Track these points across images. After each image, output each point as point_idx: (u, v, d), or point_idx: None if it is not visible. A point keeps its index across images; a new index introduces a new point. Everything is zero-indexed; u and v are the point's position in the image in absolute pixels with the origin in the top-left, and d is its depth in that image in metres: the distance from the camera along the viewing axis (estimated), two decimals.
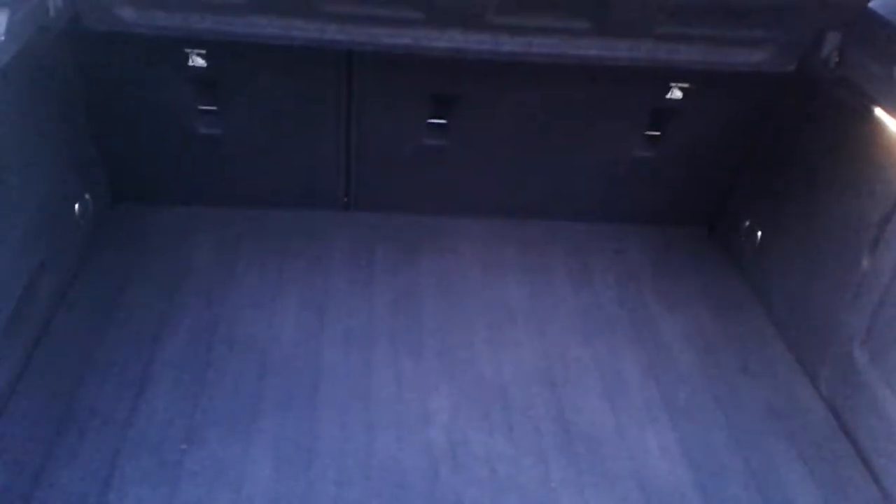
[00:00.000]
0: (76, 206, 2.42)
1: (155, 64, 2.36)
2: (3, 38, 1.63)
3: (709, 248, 2.91)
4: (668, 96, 2.52)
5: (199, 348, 2.24)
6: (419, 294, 2.55)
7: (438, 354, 2.33)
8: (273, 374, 2.19)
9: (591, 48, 2.22)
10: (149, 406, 2.04)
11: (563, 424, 2.14)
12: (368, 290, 2.55)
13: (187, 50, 2.32)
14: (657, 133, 2.68)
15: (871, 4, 2.08)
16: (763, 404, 2.26)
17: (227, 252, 2.62)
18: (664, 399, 2.25)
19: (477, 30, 2.16)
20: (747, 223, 2.73)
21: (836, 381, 2.22)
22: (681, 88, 2.50)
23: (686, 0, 2.10)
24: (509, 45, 2.20)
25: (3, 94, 1.85)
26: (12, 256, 1.98)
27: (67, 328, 2.23)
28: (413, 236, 2.79)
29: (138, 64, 2.35)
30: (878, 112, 2.04)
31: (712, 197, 2.88)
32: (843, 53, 2.14)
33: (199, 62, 2.35)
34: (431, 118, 2.60)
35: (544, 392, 2.24)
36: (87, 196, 2.48)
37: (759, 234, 2.66)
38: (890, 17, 2.04)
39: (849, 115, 2.19)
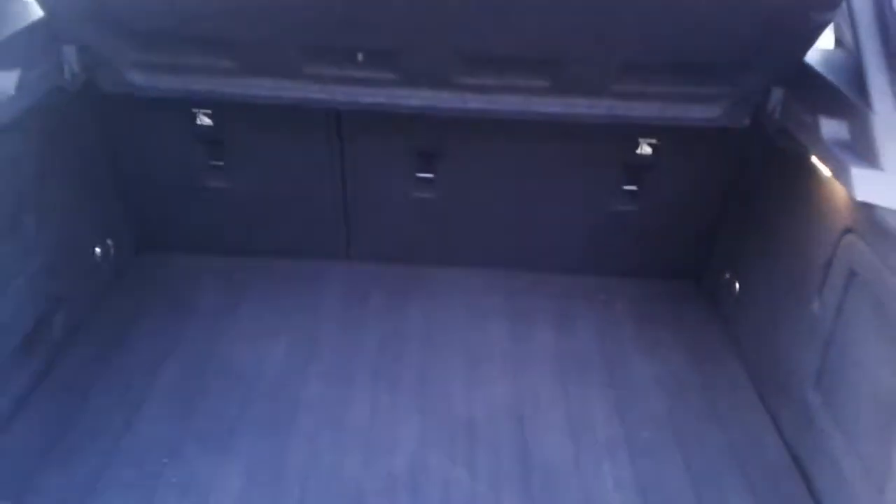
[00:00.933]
0: (97, 249, 2.69)
1: (168, 122, 2.66)
2: (13, 93, 1.91)
3: (694, 299, 2.99)
4: (639, 151, 2.67)
5: (193, 378, 2.44)
6: (405, 336, 2.72)
7: (414, 389, 2.47)
8: (256, 401, 2.38)
9: (552, 105, 2.41)
10: (139, 425, 2.25)
11: (524, 457, 2.25)
12: (357, 331, 2.72)
13: (195, 110, 2.60)
14: (634, 188, 2.82)
15: (810, 59, 2.22)
16: (724, 445, 2.32)
17: (232, 296, 2.84)
18: (627, 437, 2.33)
19: (445, 89, 2.38)
20: (727, 275, 2.81)
21: (794, 423, 2.27)
22: (649, 144, 2.65)
23: (635, 58, 2.27)
24: (475, 102, 2.40)
25: (20, 144, 2.14)
26: (26, 289, 2.25)
27: (76, 357, 2.47)
28: (405, 284, 2.97)
29: (153, 122, 2.66)
30: (814, 160, 2.15)
31: (695, 249, 2.98)
32: (784, 106, 2.28)
33: (206, 121, 2.63)
34: (419, 172, 2.81)
35: (510, 427, 2.35)
36: (108, 241, 2.76)
37: (737, 284, 2.74)
38: (825, 70, 2.18)
39: (792, 164, 2.31)
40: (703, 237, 2.94)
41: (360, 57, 2.32)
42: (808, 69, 2.21)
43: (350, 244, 3.02)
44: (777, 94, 2.30)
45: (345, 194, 2.86)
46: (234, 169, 2.79)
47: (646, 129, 2.61)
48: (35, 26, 2.17)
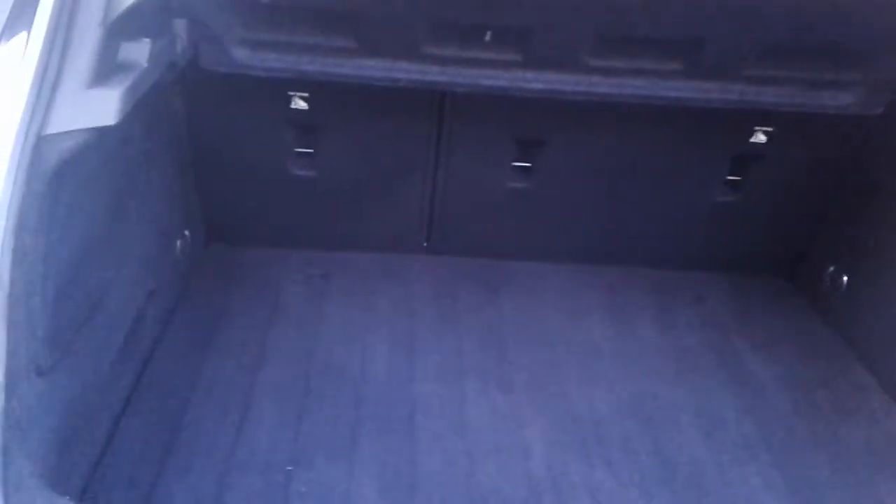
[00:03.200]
0: (178, 242, 2.51)
1: (259, 106, 2.48)
2: (146, 64, 1.74)
3: (790, 295, 2.90)
4: (752, 140, 2.57)
5: (297, 376, 2.28)
6: (504, 333, 2.58)
7: (529, 389, 2.34)
8: (369, 403, 2.22)
9: (682, 90, 2.29)
10: (253, 429, 2.07)
11: (663, 459, 2.13)
12: (454, 328, 2.58)
13: (290, 93, 2.43)
14: (738, 178, 2.73)
15: None
16: (862, 443, 2.22)
17: (316, 291, 2.68)
18: (762, 437, 2.23)
19: (572, 72, 2.25)
20: (831, 269, 2.73)
21: None
22: (765, 132, 2.55)
23: (773, 43, 2.17)
24: (603, 86, 2.28)
25: (136, 123, 1.96)
26: (129, 285, 2.06)
27: (171, 354, 2.30)
28: (495, 279, 2.83)
29: (243, 105, 2.47)
30: None
31: (794, 243, 2.89)
32: None
33: (302, 105, 2.46)
34: (516, 161, 2.68)
35: (640, 427, 2.23)
36: (186, 233, 2.57)
37: (845, 278, 2.66)
38: None
39: None
40: (802, 231, 2.85)
41: (487, 36, 2.17)
42: None
43: (431, 237, 2.88)
44: None
45: (434, 184, 2.71)
46: (323, 156, 2.63)
47: (763, 117, 2.51)
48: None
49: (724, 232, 2.85)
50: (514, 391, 2.33)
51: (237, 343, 2.38)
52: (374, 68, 2.24)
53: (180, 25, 2.06)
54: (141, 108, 1.83)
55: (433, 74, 2.25)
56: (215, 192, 2.71)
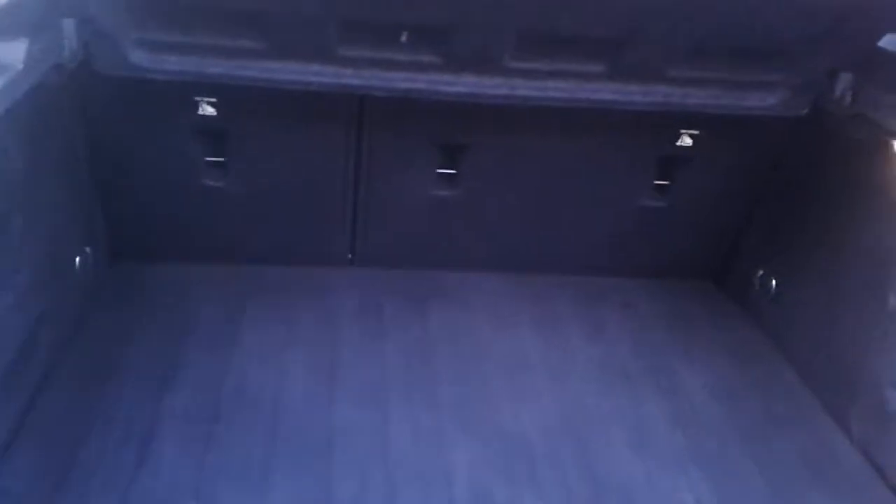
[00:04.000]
0: (77, 259, 2.33)
1: (163, 112, 2.32)
2: (21, 66, 1.57)
3: (719, 300, 2.87)
4: (678, 143, 2.52)
5: (206, 402, 2.12)
6: (432, 347, 2.47)
7: (456, 407, 2.23)
8: (285, 429, 2.08)
9: (605, 92, 2.22)
10: (154, 460, 1.91)
11: (592, 476, 2.04)
12: (379, 344, 2.46)
13: (197, 98, 2.28)
14: (666, 182, 2.67)
15: (880, 43, 2.11)
16: (794, 453, 2.18)
17: (231, 309, 2.53)
18: (693, 449, 2.16)
19: (492, 74, 2.16)
20: (760, 272, 2.69)
21: (868, 425, 2.15)
22: (690, 135, 2.50)
23: (698, 42, 2.11)
24: (524, 89, 2.19)
25: (13, 132, 1.79)
26: (14, 307, 1.88)
27: (67, 381, 2.12)
28: (422, 290, 2.72)
29: (145, 112, 2.31)
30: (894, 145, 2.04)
31: (720, 248, 2.86)
32: (857, 92, 2.16)
33: (210, 111, 2.31)
34: (440, 168, 2.58)
35: (568, 443, 2.14)
36: (87, 249, 2.39)
37: (774, 282, 2.63)
38: None
39: (866, 152, 2.20)
40: (729, 234, 2.82)
41: (403, 37, 2.06)
42: (880, 50, 2.10)
43: (356, 249, 2.75)
44: (845, 79, 2.18)
45: (355, 193, 2.59)
46: (236, 166, 2.48)
47: (688, 120, 2.46)
48: None
49: (653, 237, 2.80)
50: (439, 411, 2.21)
51: (141, 368, 2.22)
52: (284, 71, 2.11)
53: (69, 25, 1.89)
54: (18, 117, 1.67)
55: (348, 77, 2.14)
56: (121, 205, 2.54)
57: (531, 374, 2.40)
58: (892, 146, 2.07)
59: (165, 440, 1.98)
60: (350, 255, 2.77)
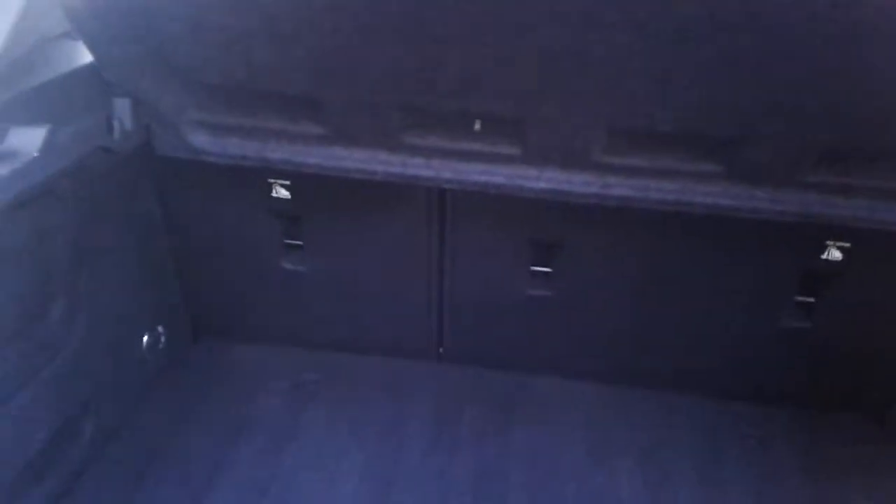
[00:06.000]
0: (144, 338, 2.25)
1: (237, 193, 2.21)
2: (36, 154, 1.48)
3: (879, 442, 2.32)
4: (825, 257, 2.07)
5: None
6: (506, 471, 2.16)
7: None
8: None
9: (722, 196, 1.85)
10: None
11: None
12: (448, 461, 2.18)
13: (270, 180, 2.15)
14: (811, 300, 2.22)
15: None
16: None
17: (299, 399, 2.35)
18: None
19: (582, 169, 1.85)
20: None
21: None
22: (839, 248, 2.05)
23: (839, 141, 1.70)
24: (620, 188, 1.87)
25: (52, 214, 1.72)
26: (43, 397, 1.79)
27: (104, 476, 2.01)
28: (508, 397, 2.41)
29: (219, 192, 2.21)
30: None
31: (884, 379, 2.33)
32: None
33: (284, 193, 2.18)
34: (534, 265, 2.28)
35: None
36: (159, 328, 2.32)
37: None
38: None
39: None
40: (891, 366, 2.29)
41: (476, 125, 1.82)
42: None
43: (443, 344, 2.50)
44: None
45: (440, 285, 2.35)
46: (313, 250, 2.32)
47: (837, 230, 2.01)
48: (81, 73, 1.76)
49: (797, 362, 2.32)
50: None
51: (185, 464, 2.08)
52: (348, 159, 1.93)
53: (122, 105, 1.82)
54: (69, 200, 1.58)
55: (416, 168, 1.92)
56: (201, 284, 2.46)
57: None
58: None
59: None
60: (439, 350, 2.53)
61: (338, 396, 2.39)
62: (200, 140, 1.94)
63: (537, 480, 2.14)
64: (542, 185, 1.88)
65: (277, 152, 1.94)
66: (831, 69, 1.49)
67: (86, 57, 1.76)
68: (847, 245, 2.04)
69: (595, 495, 2.10)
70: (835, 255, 2.07)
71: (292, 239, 2.33)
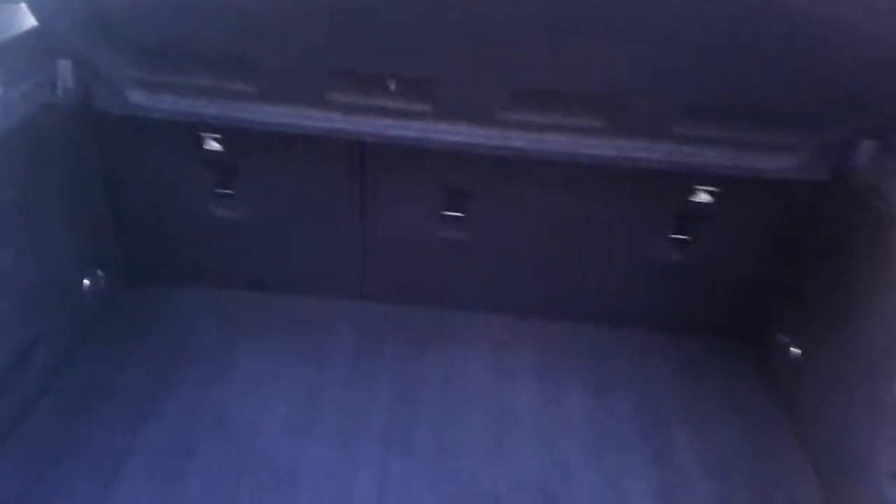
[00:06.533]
0: (85, 281, 2.43)
1: (171, 145, 2.39)
2: None
3: (741, 363, 2.70)
4: (695, 199, 2.40)
5: (182, 436, 2.17)
6: (421, 391, 2.44)
7: (429, 458, 2.20)
8: (253, 466, 2.10)
9: (605, 148, 2.14)
10: (119, 491, 1.97)
11: None
12: (368, 384, 2.45)
13: (202, 133, 2.34)
14: (685, 238, 2.55)
15: None
16: None
17: (230, 334, 2.58)
18: None
19: (485, 125, 2.11)
20: (782, 338, 2.53)
21: None
22: (709, 192, 2.38)
23: (704, 99, 2.00)
24: (519, 140, 2.14)
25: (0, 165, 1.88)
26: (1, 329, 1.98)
27: (52, 405, 2.21)
28: (424, 331, 2.69)
29: (154, 144, 2.38)
30: None
31: (747, 307, 2.70)
32: (877, 161, 1.99)
33: (215, 146, 2.36)
34: (448, 210, 2.55)
35: None
36: (99, 272, 2.49)
37: (795, 351, 2.46)
38: None
39: (885, 224, 2.02)
40: (756, 294, 2.66)
41: (391, 85, 2.05)
42: None
43: (364, 283, 2.75)
44: (868, 147, 2.01)
45: (363, 229, 2.59)
46: (244, 198, 2.53)
47: (706, 178, 2.33)
48: (26, 37, 1.91)
49: (673, 292, 2.67)
50: (412, 460, 2.19)
51: (129, 393, 2.29)
52: (276, 114, 2.14)
53: (64, 66, 1.98)
54: (15, 153, 1.74)
55: (338, 122, 2.14)
56: (137, 231, 2.63)
57: (517, 429, 2.34)
58: None
59: (135, 472, 2.04)
60: (360, 289, 2.78)
61: (268, 332, 2.61)
62: (137, 97, 2.11)
63: (447, 398, 2.43)
64: (452, 138, 2.13)
65: (210, 108, 2.13)
66: (690, 38, 1.78)
67: (30, 21, 1.91)
68: (714, 189, 2.37)
69: (497, 408, 2.41)
70: (704, 197, 2.39)
71: (224, 188, 2.52)
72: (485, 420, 2.35)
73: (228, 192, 2.52)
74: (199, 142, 2.36)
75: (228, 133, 2.34)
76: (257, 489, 2.04)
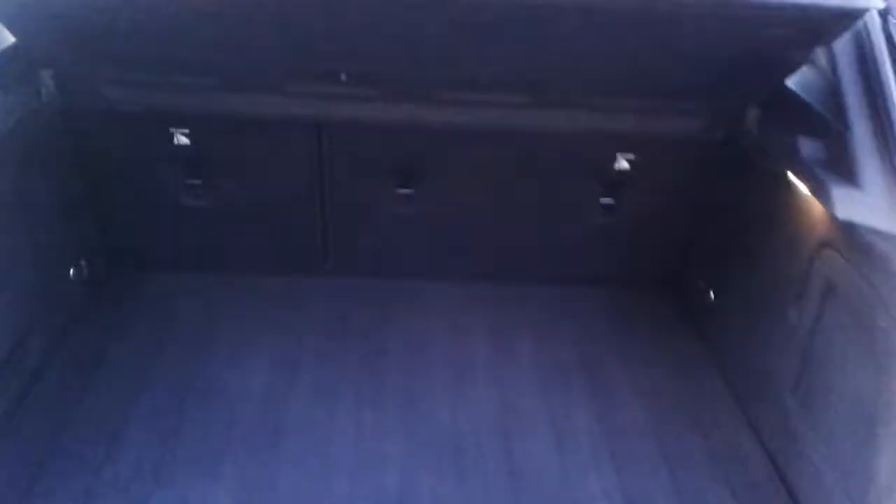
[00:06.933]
0: (71, 270, 2.65)
1: (143, 142, 2.62)
2: None
3: (667, 309, 3.05)
4: (616, 166, 2.72)
5: (174, 401, 2.42)
6: (388, 353, 2.72)
7: (399, 407, 2.48)
8: (241, 423, 2.36)
9: (533, 118, 2.45)
10: (121, 450, 2.22)
11: (511, 469, 2.27)
12: (339, 349, 2.72)
13: (171, 130, 2.58)
14: (611, 201, 2.88)
15: (788, 82, 2.28)
16: (707, 455, 2.37)
17: (210, 314, 2.82)
18: (611, 449, 2.37)
19: (426, 104, 2.41)
20: (701, 283, 2.88)
21: (774, 431, 2.33)
22: (626, 159, 2.70)
23: (615, 81, 2.32)
24: (457, 116, 2.44)
25: None
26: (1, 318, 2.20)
27: (54, 382, 2.43)
28: (386, 300, 2.97)
29: (128, 142, 2.62)
30: (790, 176, 2.21)
31: (670, 260, 3.05)
32: (761, 125, 2.34)
33: (183, 140, 2.60)
34: (399, 188, 2.83)
35: (496, 440, 2.38)
36: (82, 262, 2.71)
37: (711, 293, 2.81)
38: (800, 89, 2.25)
39: (770, 179, 2.37)
40: (678, 248, 3.00)
41: (342, 77, 2.33)
42: (784, 89, 2.28)
43: (328, 259, 3.02)
44: (754, 112, 2.37)
45: (323, 209, 2.86)
46: (212, 187, 2.77)
47: (624, 145, 2.66)
48: (11, 50, 2.13)
49: (605, 250, 3.00)
50: (384, 410, 2.47)
51: (123, 369, 2.52)
52: (240, 104, 2.40)
53: (46, 75, 2.21)
54: (4, 156, 1.96)
55: (296, 108, 2.41)
56: (117, 222, 2.86)
57: (475, 380, 2.63)
58: (786, 177, 2.24)
59: (134, 433, 2.28)
60: (325, 265, 3.04)
61: (244, 309, 2.86)
62: (113, 93, 2.36)
63: (412, 357, 2.72)
64: (398, 115, 2.43)
65: (179, 101, 2.38)
66: (599, 39, 2.10)
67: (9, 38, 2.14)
68: (631, 156, 2.69)
69: (456, 363, 2.70)
70: (623, 164, 2.72)
71: (194, 178, 2.76)
72: (445, 374, 2.65)
73: (197, 181, 2.76)
74: (170, 137, 2.60)
75: (196, 126, 2.58)
76: (246, 441, 2.29)
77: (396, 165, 2.77)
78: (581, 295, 3.05)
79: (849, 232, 1.95)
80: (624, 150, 2.68)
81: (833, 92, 2.07)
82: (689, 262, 3.00)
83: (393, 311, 2.92)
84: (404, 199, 2.85)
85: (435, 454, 2.31)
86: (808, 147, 2.10)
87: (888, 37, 2.05)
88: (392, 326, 2.85)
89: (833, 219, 1.98)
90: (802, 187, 2.15)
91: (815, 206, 2.10)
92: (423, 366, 2.68)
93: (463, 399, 2.53)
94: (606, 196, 2.87)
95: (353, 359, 2.68)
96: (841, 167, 1.99)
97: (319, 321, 2.84)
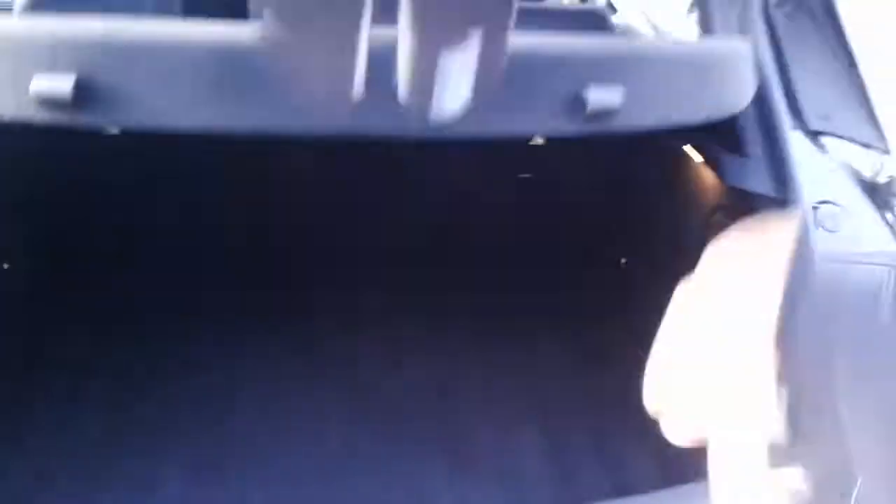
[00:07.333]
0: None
1: None
2: None
3: (596, 282, 3.14)
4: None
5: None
6: (324, 340, 2.84)
7: (339, 380, 2.67)
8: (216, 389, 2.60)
9: None
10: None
11: (446, 430, 2.50)
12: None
13: None
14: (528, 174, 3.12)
15: None
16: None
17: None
18: (540, 406, 2.61)
19: None
20: (622, 260, 3.12)
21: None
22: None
23: None
24: None
25: None
26: None
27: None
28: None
29: None
30: (686, 148, 2.45)
31: (596, 239, 3.23)
32: None
33: None
34: None
35: (433, 404, 2.62)
36: (5, 265, 2.66)
37: (630, 267, 3.05)
38: None
39: (664, 161, 2.63)
40: (602, 226, 3.19)
41: None
42: None
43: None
44: None
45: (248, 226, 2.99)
46: None
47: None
48: None
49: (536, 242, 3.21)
50: (326, 384, 2.64)
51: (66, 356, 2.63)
52: None
53: None
54: None
55: None
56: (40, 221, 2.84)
57: (409, 354, 2.82)
58: (680, 149, 2.47)
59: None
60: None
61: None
62: None
63: (348, 342, 2.85)
64: None
65: None
66: None
67: None
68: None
69: (390, 341, 2.86)
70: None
71: None
72: (381, 349, 2.82)
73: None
74: None
75: None
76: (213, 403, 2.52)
77: None
78: (512, 275, 3.19)
79: (737, 198, 2.17)
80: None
81: None
82: (613, 239, 3.19)
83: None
84: None
85: (375, 419, 2.51)
86: None
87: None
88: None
89: (724, 187, 2.21)
90: (697, 158, 2.38)
91: (708, 176, 2.33)
92: (361, 347, 2.85)
93: (399, 370, 2.75)
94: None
95: (296, 357, 2.78)
96: (729, 138, 2.20)
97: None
